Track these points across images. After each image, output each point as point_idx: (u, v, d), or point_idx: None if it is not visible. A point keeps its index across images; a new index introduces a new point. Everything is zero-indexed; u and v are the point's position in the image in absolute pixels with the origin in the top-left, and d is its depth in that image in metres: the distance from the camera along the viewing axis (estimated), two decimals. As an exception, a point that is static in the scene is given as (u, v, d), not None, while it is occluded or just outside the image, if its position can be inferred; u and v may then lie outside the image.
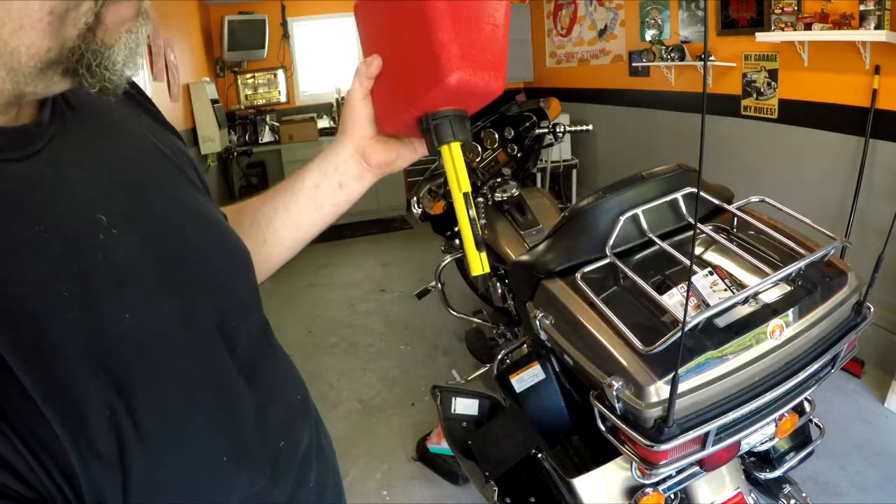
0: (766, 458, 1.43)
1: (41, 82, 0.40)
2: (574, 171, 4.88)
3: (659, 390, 1.03)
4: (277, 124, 5.34)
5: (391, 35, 0.58)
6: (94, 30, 0.39)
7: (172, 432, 0.42)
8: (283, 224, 0.70)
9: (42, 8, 0.36)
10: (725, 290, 1.13)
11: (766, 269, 1.12)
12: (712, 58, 3.29)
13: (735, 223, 1.33)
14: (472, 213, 0.56)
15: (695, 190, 1.33)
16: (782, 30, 2.75)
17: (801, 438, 1.43)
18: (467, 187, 0.57)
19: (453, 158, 0.57)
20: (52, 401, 0.35)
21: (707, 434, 1.05)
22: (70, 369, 0.36)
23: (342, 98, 5.56)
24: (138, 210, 0.47)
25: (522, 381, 1.47)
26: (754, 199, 1.36)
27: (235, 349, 0.50)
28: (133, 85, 0.57)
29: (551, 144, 2.52)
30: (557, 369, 1.46)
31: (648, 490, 1.20)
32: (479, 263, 0.55)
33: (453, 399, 1.64)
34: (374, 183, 0.71)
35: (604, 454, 1.26)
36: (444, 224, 2.46)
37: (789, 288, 1.17)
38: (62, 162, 0.43)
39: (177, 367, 0.43)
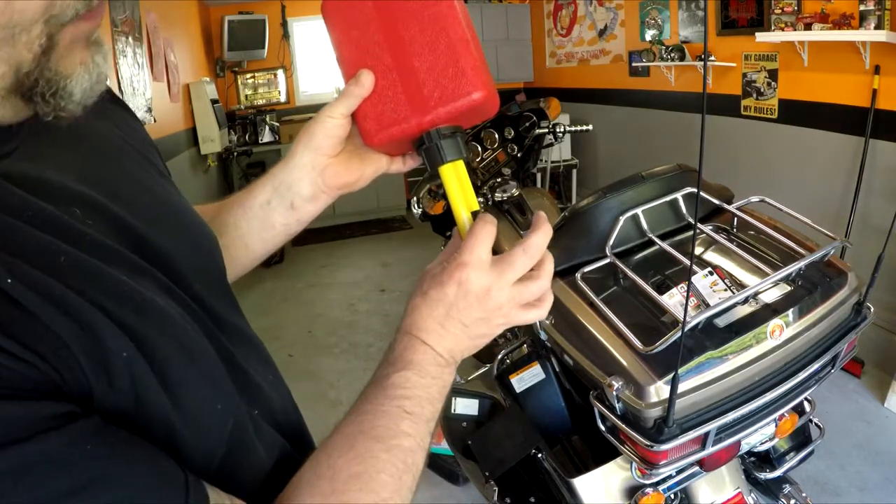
0: (766, 458, 1.43)
1: (3, 109, 0.41)
2: (574, 171, 4.88)
3: (659, 390, 1.03)
4: (277, 124, 5.34)
5: (388, 44, 0.55)
6: (48, 53, 0.40)
7: (182, 375, 0.43)
8: (232, 241, 0.67)
9: None
10: (725, 290, 1.13)
11: (766, 269, 1.12)
12: (712, 58, 3.29)
13: (735, 223, 1.33)
14: None
15: (695, 190, 1.33)
16: (782, 30, 2.75)
17: (801, 438, 1.43)
18: (476, 206, 0.55)
19: (459, 176, 0.55)
20: (81, 341, 0.37)
21: (707, 434, 1.05)
22: (89, 315, 0.38)
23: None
24: (111, 202, 0.47)
25: (522, 381, 1.47)
26: (754, 199, 1.36)
27: (216, 328, 0.51)
28: None
29: (551, 144, 2.52)
30: (557, 369, 1.46)
31: (648, 490, 1.20)
32: None
33: (453, 399, 1.64)
34: (334, 200, 0.66)
35: (604, 454, 1.26)
36: (444, 224, 2.46)
37: (789, 288, 1.17)
38: (36, 159, 0.44)
39: (174, 330, 0.44)
